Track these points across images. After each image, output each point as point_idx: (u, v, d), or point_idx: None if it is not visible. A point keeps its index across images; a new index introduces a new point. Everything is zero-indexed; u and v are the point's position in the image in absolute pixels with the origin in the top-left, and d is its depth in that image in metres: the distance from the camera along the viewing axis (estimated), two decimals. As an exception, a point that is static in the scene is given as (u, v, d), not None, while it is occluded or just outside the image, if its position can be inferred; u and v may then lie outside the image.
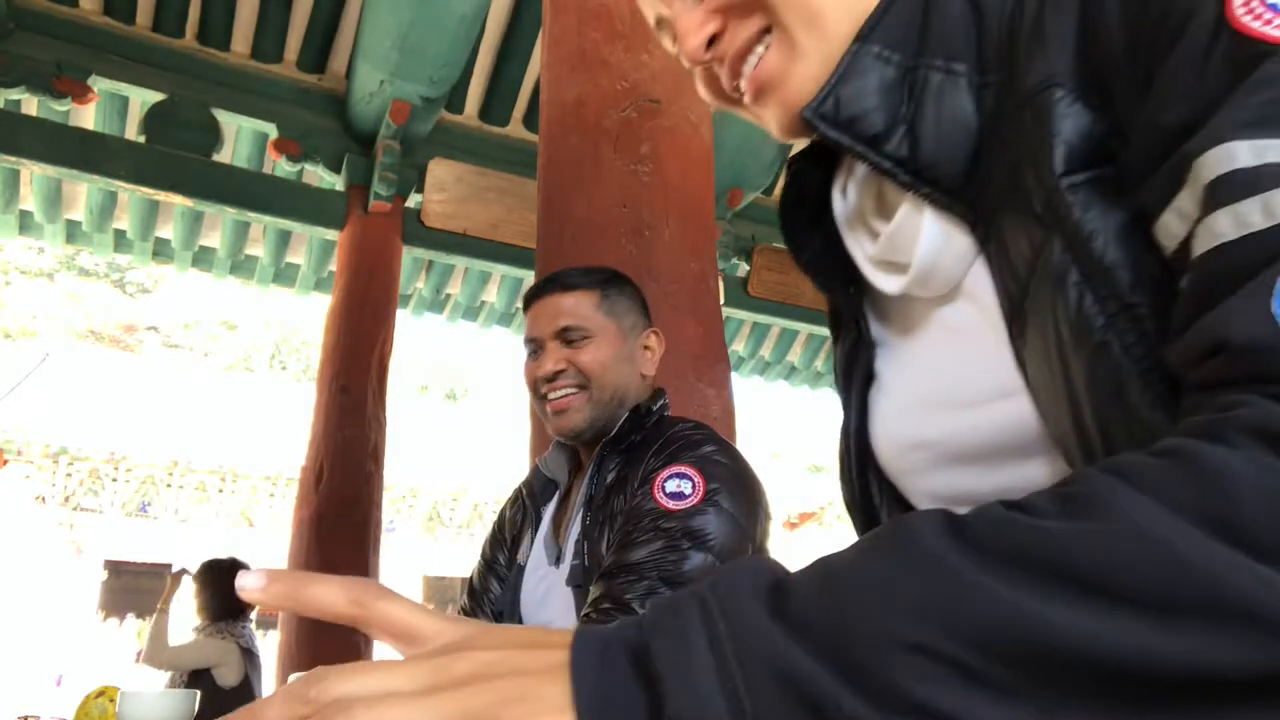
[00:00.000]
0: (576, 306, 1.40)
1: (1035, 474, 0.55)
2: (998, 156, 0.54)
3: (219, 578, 3.72)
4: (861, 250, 0.65)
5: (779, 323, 6.12)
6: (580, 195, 2.15)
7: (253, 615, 3.87)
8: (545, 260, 2.19)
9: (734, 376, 2.32)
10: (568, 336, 1.39)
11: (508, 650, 0.39)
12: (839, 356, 0.73)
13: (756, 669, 0.35)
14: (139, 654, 3.87)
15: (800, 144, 0.68)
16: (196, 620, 3.75)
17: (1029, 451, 0.55)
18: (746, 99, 0.65)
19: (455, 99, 4.81)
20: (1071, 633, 0.34)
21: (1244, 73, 0.41)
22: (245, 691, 3.54)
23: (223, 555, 3.96)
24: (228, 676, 3.51)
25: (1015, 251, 0.52)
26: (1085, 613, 0.34)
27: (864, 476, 0.70)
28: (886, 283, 0.62)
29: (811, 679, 0.35)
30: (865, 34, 0.58)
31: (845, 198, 0.67)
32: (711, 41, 0.63)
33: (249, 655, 3.63)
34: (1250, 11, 0.41)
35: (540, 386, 1.40)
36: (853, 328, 0.70)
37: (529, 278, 4.08)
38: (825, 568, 0.38)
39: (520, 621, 1.41)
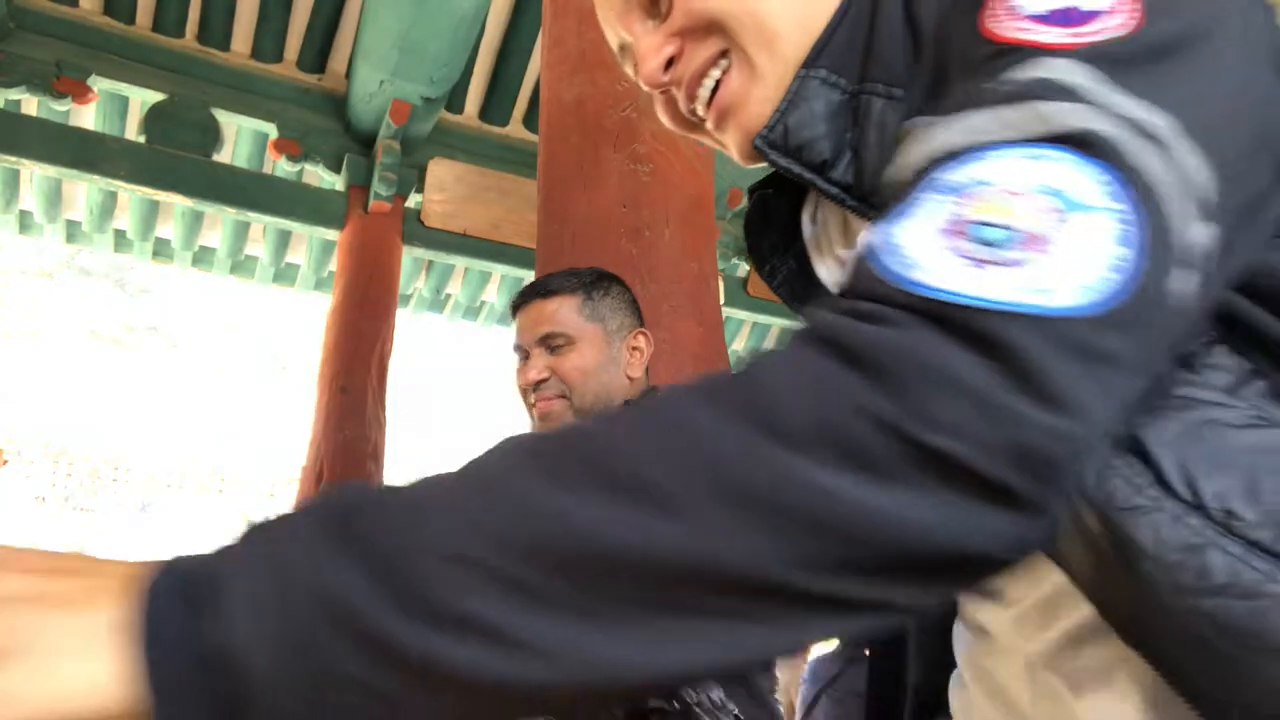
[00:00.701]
0: (558, 312, 1.40)
1: None
2: None
3: None
4: (830, 277, 0.65)
5: (779, 323, 6.11)
6: (580, 195, 2.16)
7: None
8: (545, 260, 2.19)
9: (734, 376, 2.32)
10: (550, 343, 1.39)
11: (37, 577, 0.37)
12: None
13: (297, 590, 0.35)
14: None
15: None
16: None
17: None
18: (709, 124, 0.65)
19: (455, 99, 4.81)
20: (605, 533, 0.34)
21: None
22: None
23: None
24: None
25: None
26: (620, 512, 0.35)
27: None
28: None
29: (347, 597, 0.34)
30: (811, 59, 0.58)
31: (815, 223, 0.67)
32: (670, 64, 0.64)
33: None
34: (995, 17, 0.47)
35: (527, 394, 1.40)
36: None
37: (529, 278, 4.08)
38: (406, 488, 0.38)
39: None
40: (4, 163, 4.25)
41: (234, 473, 12.68)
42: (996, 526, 0.36)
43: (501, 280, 5.85)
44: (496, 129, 5.03)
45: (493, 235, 4.78)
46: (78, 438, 11.81)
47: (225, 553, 0.37)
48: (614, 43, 0.70)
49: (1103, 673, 0.50)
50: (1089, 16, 0.44)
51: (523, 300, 1.45)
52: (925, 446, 0.35)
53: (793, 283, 0.70)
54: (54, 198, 4.99)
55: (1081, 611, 0.51)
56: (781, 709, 1.35)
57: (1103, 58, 0.42)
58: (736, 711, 1.26)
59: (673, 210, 2.15)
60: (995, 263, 0.37)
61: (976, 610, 0.62)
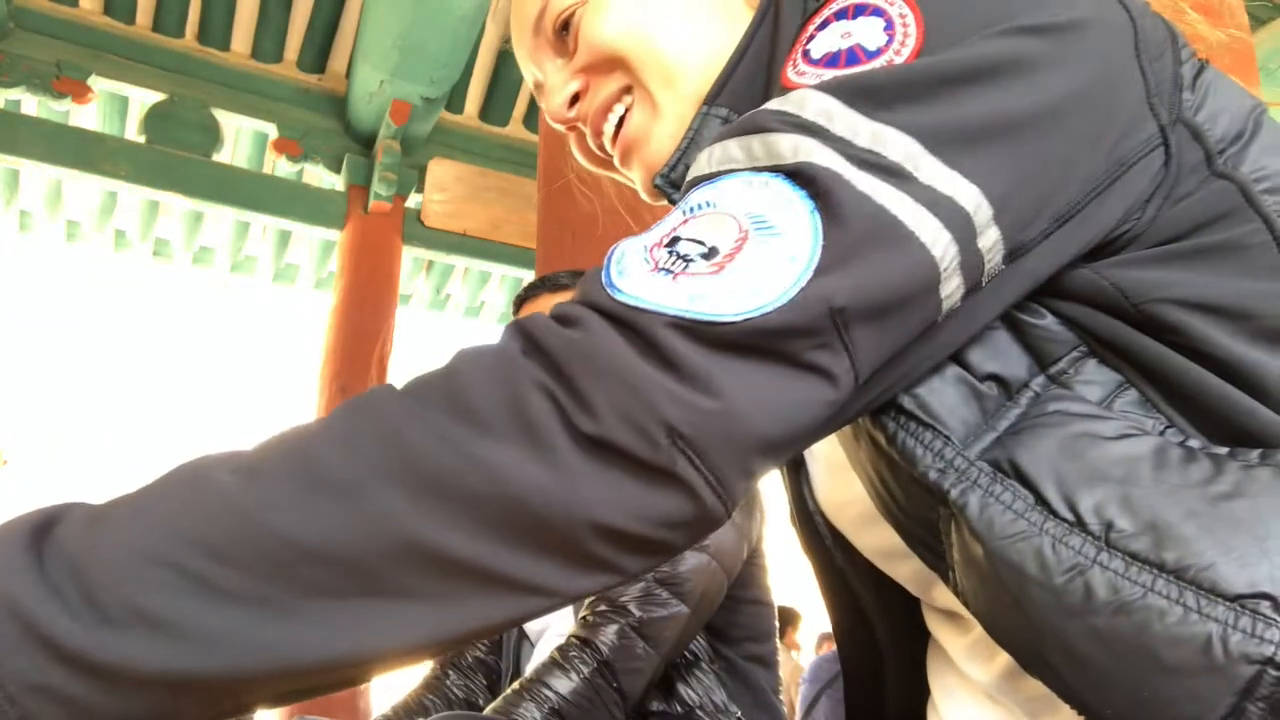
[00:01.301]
0: None
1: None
2: None
3: None
4: None
5: (779, 323, 6.12)
6: (580, 195, 2.15)
7: None
8: (545, 260, 2.19)
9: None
10: None
11: None
12: None
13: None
14: None
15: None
16: None
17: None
18: (616, 160, 0.65)
19: (455, 99, 4.81)
20: (284, 525, 0.36)
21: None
22: None
23: None
24: None
25: None
26: (304, 504, 0.37)
27: (808, 517, 0.70)
28: None
29: (34, 607, 0.35)
30: (711, 97, 0.59)
31: None
32: (576, 100, 0.64)
33: None
34: (791, 64, 0.51)
35: None
36: None
37: (529, 278, 4.08)
38: (115, 498, 0.40)
39: (521, 630, 1.41)
40: (4, 163, 4.25)
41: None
42: (649, 504, 0.39)
43: (501, 280, 5.85)
44: (496, 129, 5.03)
45: (493, 235, 4.78)
46: (78, 438, 11.81)
47: None
48: (530, 80, 0.70)
49: (1047, 700, 0.50)
50: (872, 55, 0.46)
51: (529, 295, 1.46)
52: (584, 427, 0.38)
53: None
54: (54, 198, 4.99)
55: None
56: (784, 710, 1.35)
57: (847, 89, 0.45)
58: (739, 714, 1.26)
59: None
60: (685, 274, 0.41)
61: (941, 634, 0.62)
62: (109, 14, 4.28)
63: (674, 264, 0.41)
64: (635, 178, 0.65)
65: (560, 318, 0.41)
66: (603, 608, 1.18)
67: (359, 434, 0.39)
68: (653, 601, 1.17)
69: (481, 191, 4.79)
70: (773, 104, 0.46)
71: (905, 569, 0.62)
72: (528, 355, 0.40)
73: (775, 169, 0.43)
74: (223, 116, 4.48)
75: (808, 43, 0.50)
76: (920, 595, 0.64)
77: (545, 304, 1.43)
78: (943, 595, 0.60)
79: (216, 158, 4.52)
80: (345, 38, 4.57)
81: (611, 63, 0.62)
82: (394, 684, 1.52)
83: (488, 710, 1.15)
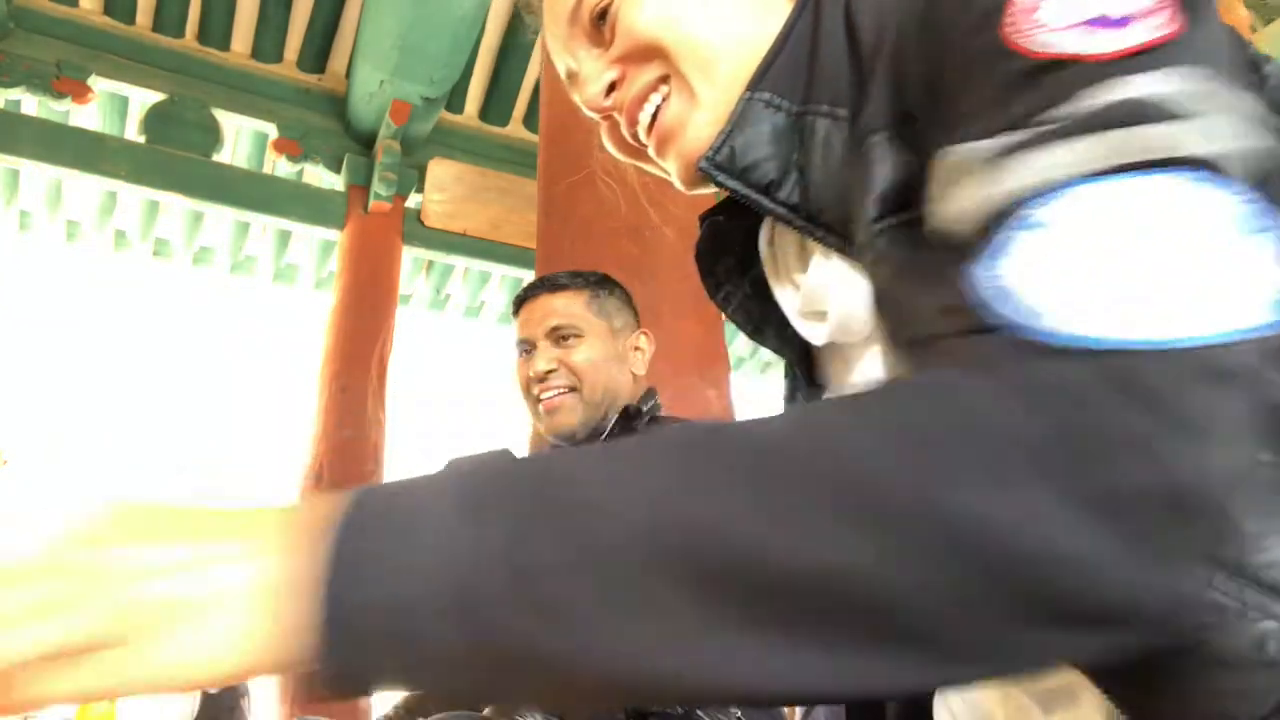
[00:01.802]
0: (567, 306, 1.41)
1: None
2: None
3: None
4: (788, 301, 0.65)
5: (779, 323, 6.12)
6: (581, 195, 2.15)
7: None
8: (545, 260, 2.19)
9: (734, 376, 2.32)
10: (559, 335, 1.39)
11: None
12: (784, 405, 0.73)
13: (479, 552, 0.34)
14: None
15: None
16: None
17: None
18: (651, 151, 0.65)
19: (455, 99, 4.81)
20: (749, 543, 0.33)
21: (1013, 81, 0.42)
22: (230, 691, 3.48)
23: None
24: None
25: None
26: (773, 522, 0.33)
27: None
28: (814, 334, 0.62)
29: (534, 564, 0.34)
30: (755, 83, 0.58)
31: (771, 245, 0.67)
32: (612, 90, 0.64)
33: None
34: (1018, 29, 0.43)
35: (532, 387, 1.40)
36: (791, 373, 0.70)
37: (529, 278, 4.08)
38: (572, 470, 0.37)
39: None
40: (4, 163, 4.25)
41: (234, 472, 12.69)
42: (1148, 583, 0.33)
43: (501, 280, 5.85)
44: (496, 129, 5.03)
45: (493, 235, 4.78)
46: (78, 438, 11.81)
47: (403, 504, 0.36)
48: (562, 70, 0.70)
49: (1067, 693, 0.49)
50: (1123, 22, 0.41)
51: (529, 295, 1.46)
52: (1097, 494, 0.32)
53: (748, 308, 0.70)
54: (54, 198, 4.99)
55: None
56: (784, 710, 1.34)
57: (1169, 60, 0.39)
58: (739, 714, 1.25)
59: (673, 210, 2.15)
60: (1132, 299, 0.35)
61: None
62: (109, 14, 4.28)
63: (1108, 289, 0.36)
64: (670, 167, 0.65)
65: (1026, 374, 0.35)
66: None
67: (828, 459, 0.35)
68: None
69: (481, 191, 4.79)
70: (1094, 91, 0.40)
71: None
72: (1012, 420, 0.34)
73: (1163, 164, 0.37)
74: (223, 116, 4.48)
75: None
76: None
77: (544, 305, 1.43)
78: None
79: (216, 158, 4.52)
80: (345, 38, 4.57)
81: (649, 52, 0.62)
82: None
83: (488, 710, 1.15)
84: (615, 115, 0.66)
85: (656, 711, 1.24)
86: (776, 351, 0.70)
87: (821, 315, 0.61)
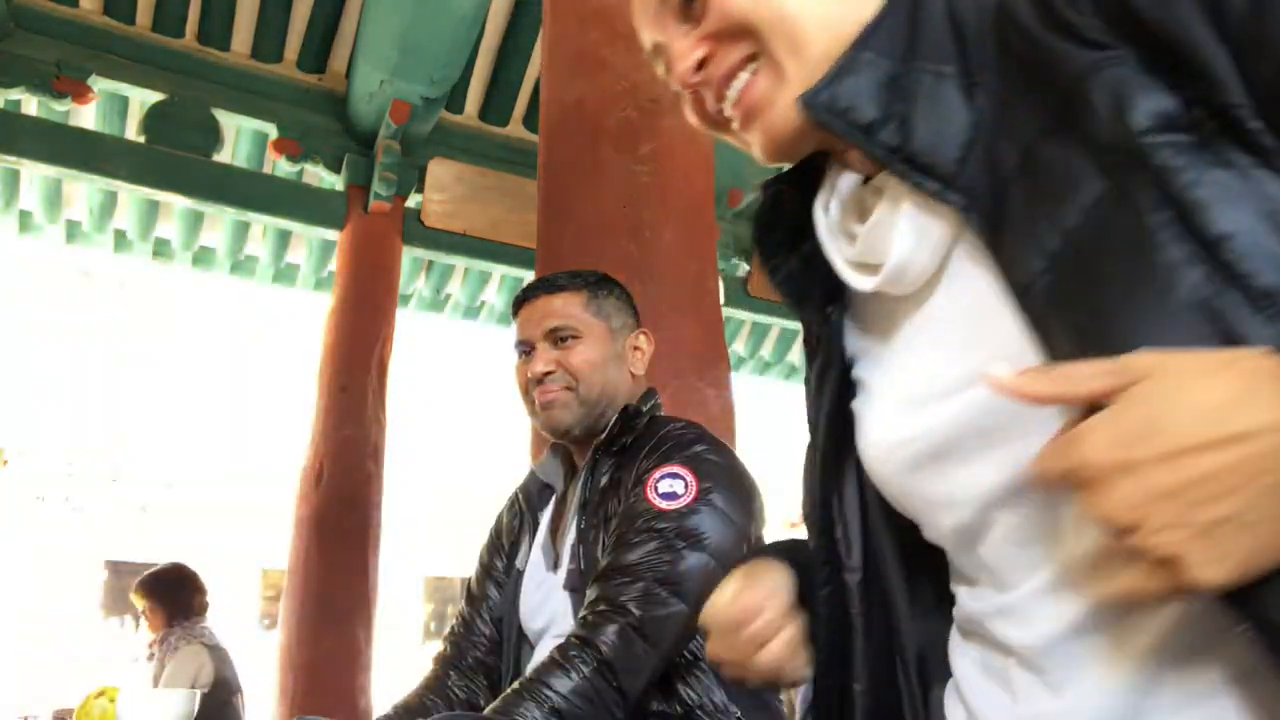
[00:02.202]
0: (565, 307, 1.41)
1: (1007, 465, 0.56)
2: (1007, 142, 0.55)
3: (167, 586, 3.62)
4: (840, 255, 0.67)
5: (779, 323, 6.12)
6: (580, 195, 2.16)
7: (209, 613, 3.74)
8: (545, 260, 2.19)
9: (734, 376, 2.32)
10: (557, 336, 1.40)
11: None
12: (809, 377, 0.74)
13: None
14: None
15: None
16: (152, 635, 3.59)
17: (999, 439, 0.56)
18: (735, 125, 0.68)
19: (455, 99, 4.81)
20: None
21: None
22: (221, 689, 3.48)
23: (164, 564, 3.76)
24: (203, 679, 3.42)
25: (1048, 225, 0.52)
26: None
27: (828, 492, 0.72)
28: (862, 281, 0.64)
29: None
30: (861, 42, 0.61)
31: (828, 213, 0.69)
32: (701, 66, 0.67)
33: (215, 651, 3.54)
34: None
35: (531, 388, 1.41)
36: (824, 347, 0.71)
37: (529, 278, 4.08)
38: None
39: (519, 627, 1.41)
40: (4, 163, 4.25)
41: (234, 472, 12.68)
42: None
43: (501, 280, 5.85)
44: (496, 129, 5.03)
45: (493, 235, 4.78)
46: (78, 438, 11.81)
47: None
48: (647, 43, 0.73)
49: (1079, 667, 0.53)
50: None
51: (527, 296, 1.46)
52: None
53: (794, 280, 0.73)
54: (54, 198, 4.99)
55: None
56: (783, 709, 1.35)
57: None
58: (739, 714, 1.26)
59: (673, 210, 2.15)
60: None
61: (972, 599, 0.64)
62: (109, 14, 4.28)
63: None
64: (754, 140, 0.67)
65: None
66: (602, 607, 1.18)
67: None
68: (653, 601, 1.17)
69: (481, 191, 4.79)
70: None
71: (952, 518, 0.62)
72: None
73: None
74: (223, 116, 4.48)
75: None
76: (956, 552, 0.65)
77: (543, 306, 1.43)
78: (986, 549, 0.61)
79: (216, 158, 4.51)
80: (345, 38, 4.57)
81: (740, 31, 0.65)
82: (394, 684, 1.52)
83: (487, 710, 1.15)
84: (702, 90, 0.68)
85: (657, 711, 1.24)
86: (813, 324, 0.73)
87: (874, 268, 0.63)
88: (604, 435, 1.37)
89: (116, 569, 12.20)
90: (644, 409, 1.39)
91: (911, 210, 0.60)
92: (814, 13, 0.63)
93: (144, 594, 3.62)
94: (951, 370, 0.59)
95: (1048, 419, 0.50)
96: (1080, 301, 0.51)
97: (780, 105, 0.64)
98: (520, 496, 1.53)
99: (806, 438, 0.75)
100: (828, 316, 0.70)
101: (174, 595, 3.60)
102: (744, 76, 0.66)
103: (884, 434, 0.65)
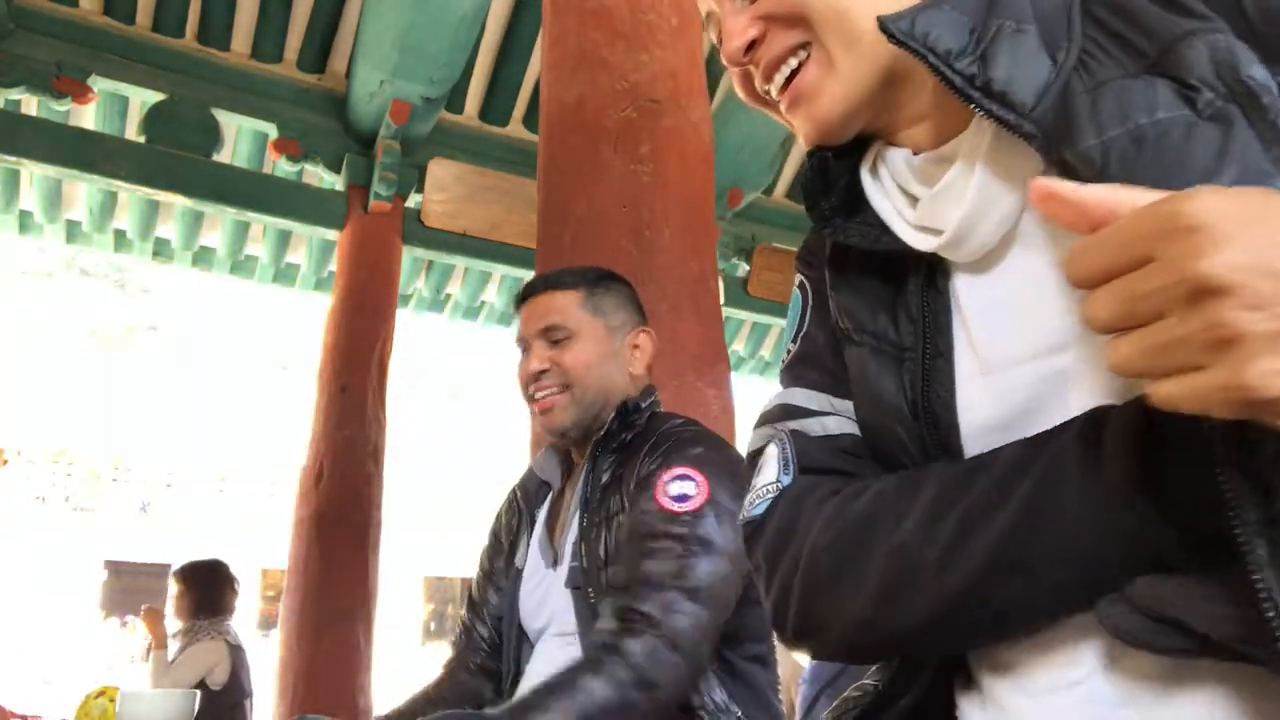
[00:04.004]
0: (561, 305, 1.41)
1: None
2: (1081, 81, 0.57)
3: (203, 577, 3.69)
4: (899, 215, 0.67)
5: (779, 323, 6.11)
6: (580, 195, 2.16)
7: (234, 612, 3.79)
8: (545, 260, 2.19)
9: (734, 376, 2.32)
10: (552, 336, 1.40)
11: None
12: (903, 296, 0.68)
13: None
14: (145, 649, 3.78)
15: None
16: (179, 623, 3.67)
17: (1054, 414, 0.56)
18: (781, 106, 0.68)
19: (455, 99, 4.81)
20: None
21: None
22: (234, 690, 3.50)
23: (206, 558, 3.87)
24: (218, 676, 3.47)
25: (1115, 119, 0.54)
26: None
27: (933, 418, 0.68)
28: (921, 241, 0.64)
29: None
30: (936, 2, 0.61)
31: (875, 175, 0.69)
32: (751, 46, 0.67)
33: (236, 651, 3.58)
34: None
35: (528, 386, 1.41)
36: (920, 270, 0.67)
37: (529, 278, 4.07)
38: None
39: (518, 626, 1.41)
40: (4, 163, 4.25)
41: (234, 472, 12.68)
42: None
43: (501, 280, 5.85)
44: (496, 129, 5.03)
45: (493, 235, 4.78)
46: (78, 438, 11.81)
47: None
48: (702, 10, 0.73)
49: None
50: None
51: (527, 294, 1.46)
52: None
53: (861, 230, 0.71)
54: (54, 198, 4.99)
55: None
56: (783, 708, 1.35)
57: None
58: (740, 713, 1.25)
59: (673, 210, 2.15)
60: None
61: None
62: (109, 14, 4.28)
63: None
64: (798, 124, 0.68)
65: None
66: (631, 620, 1.16)
67: None
68: (679, 612, 1.16)
69: (481, 191, 4.79)
70: None
71: None
72: None
73: None
74: (223, 116, 4.48)
75: None
76: None
77: (541, 304, 1.43)
78: None
79: (216, 158, 4.51)
80: (345, 38, 4.57)
81: (794, 18, 0.65)
82: (394, 684, 1.52)
83: (516, 699, 1.13)
84: (751, 69, 0.69)
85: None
86: (902, 252, 0.70)
87: (936, 231, 0.63)
88: (602, 432, 1.37)
89: (116, 569, 12.20)
90: (643, 405, 1.39)
91: (983, 177, 0.60)
92: (868, 8, 0.63)
93: (181, 580, 3.69)
94: (1015, 346, 0.59)
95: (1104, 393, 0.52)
96: (1130, 172, 0.52)
97: (828, 94, 0.65)
98: (519, 494, 1.52)
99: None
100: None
101: (208, 588, 3.65)
102: (793, 62, 0.66)
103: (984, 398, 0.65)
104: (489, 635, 1.46)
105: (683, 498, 1.23)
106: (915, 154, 0.67)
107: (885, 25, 0.60)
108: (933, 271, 0.67)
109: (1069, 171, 0.54)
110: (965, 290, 0.64)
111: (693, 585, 1.17)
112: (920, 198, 0.65)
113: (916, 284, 0.67)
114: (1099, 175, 0.52)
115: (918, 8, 0.61)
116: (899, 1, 0.63)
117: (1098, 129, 0.54)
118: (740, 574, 1.24)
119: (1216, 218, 0.37)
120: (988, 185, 0.60)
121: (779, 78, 0.67)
